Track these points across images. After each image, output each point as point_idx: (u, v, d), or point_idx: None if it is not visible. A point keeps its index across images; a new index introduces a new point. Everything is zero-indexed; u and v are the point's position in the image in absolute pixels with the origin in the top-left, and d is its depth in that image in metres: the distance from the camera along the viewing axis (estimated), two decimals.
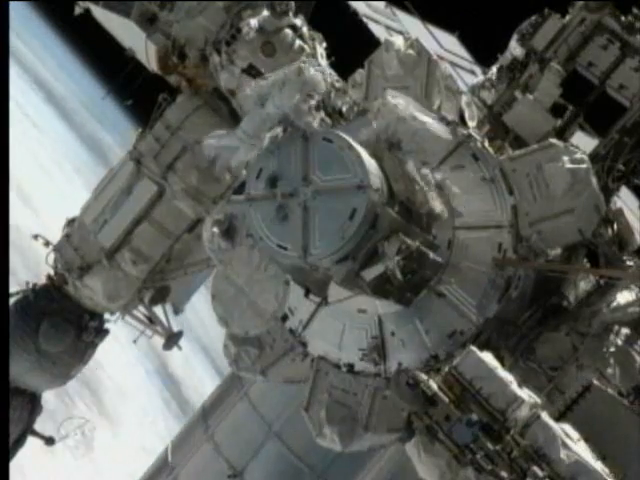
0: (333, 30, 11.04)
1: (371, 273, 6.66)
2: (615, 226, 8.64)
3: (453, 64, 12.58)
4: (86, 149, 54.71)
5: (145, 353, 36.77)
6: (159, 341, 12.37)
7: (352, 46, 10.21)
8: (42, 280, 12.16)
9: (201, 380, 40.68)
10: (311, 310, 7.70)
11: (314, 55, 10.25)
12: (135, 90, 12.08)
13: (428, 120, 7.43)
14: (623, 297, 8.10)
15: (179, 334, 12.47)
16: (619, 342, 7.88)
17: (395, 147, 7.17)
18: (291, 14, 10.50)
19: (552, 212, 7.32)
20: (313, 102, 7.50)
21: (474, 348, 6.84)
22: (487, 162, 7.49)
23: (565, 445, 6.43)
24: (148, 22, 11.11)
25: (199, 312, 29.51)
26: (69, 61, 63.82)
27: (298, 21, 10.50)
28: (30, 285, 12.04)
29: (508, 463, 6.36)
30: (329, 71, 10.05)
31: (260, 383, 9.45)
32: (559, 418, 7.17)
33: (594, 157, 8.39)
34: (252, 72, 10.19)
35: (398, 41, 8.13)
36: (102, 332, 12.23)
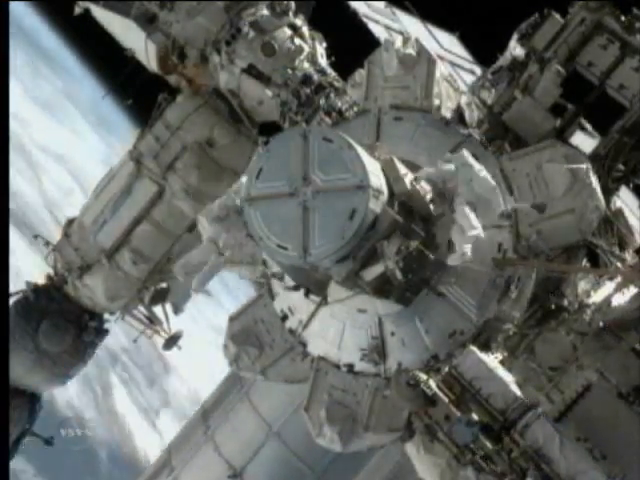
0: (333, 30, 11.04)
1: (371, 273, 6.65)
2: (615, 226, 8.64)
3: (453, 64, 12.58)
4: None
5: None
6: None
7: (352, 46, 10.21)
8: (42, 280, 12.17)
9: None
10: (311, 310, 7.69)
11: (314, 55, 10.26)
12: (135, 90, 12.08)
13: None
14: (622, 297, 8.10)
15: (178, 334, 12.46)
16: (618, 342, 7.88)
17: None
18: (291, 14, 10.50)
19: (552, 212, 7.32)
20: None
21: (474, 348, 6.85)
22: (487, 162, 7.48)
23: (565, 445, 6.43)
24: (148, 22, 11.09)
25: None
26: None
27: (298, 21, 10.50)
28: (30, 285, 12.05)
29: (508, 463, 6.36)
30: (329, 71, 10.09)
31: (260, 383, 9.45)
32: (559, 418, 7.18)
33: (594, 157, 8.38)
34: (252, 72, 10.20)
35: (398, 41, 8.12)
36: (102, 332, 12.24)
